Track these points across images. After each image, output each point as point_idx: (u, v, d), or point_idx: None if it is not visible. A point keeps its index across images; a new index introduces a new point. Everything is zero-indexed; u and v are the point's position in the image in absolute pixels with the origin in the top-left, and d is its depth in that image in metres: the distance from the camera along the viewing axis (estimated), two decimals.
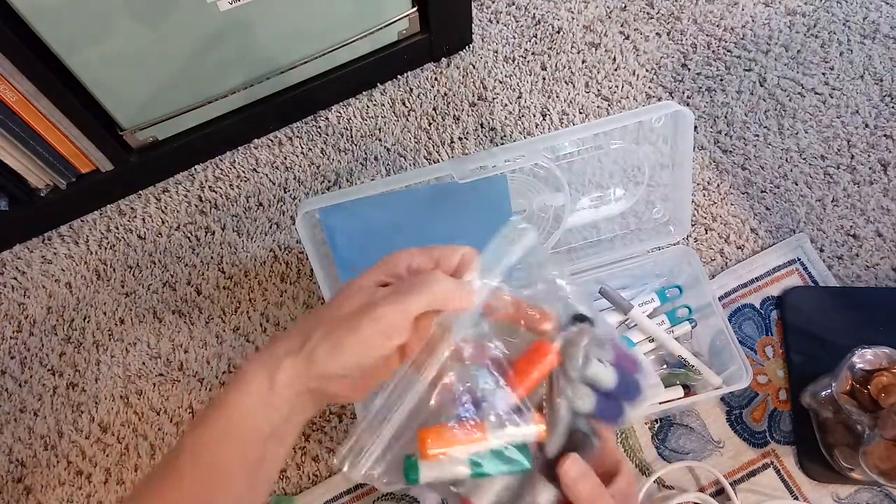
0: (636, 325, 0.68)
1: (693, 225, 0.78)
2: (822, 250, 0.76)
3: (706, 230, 0.78)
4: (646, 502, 0.67)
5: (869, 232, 0.77)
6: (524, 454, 0.37)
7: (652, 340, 0.68)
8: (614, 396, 0.39)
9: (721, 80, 0.85)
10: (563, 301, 0.41)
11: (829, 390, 0.62)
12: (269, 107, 0.80)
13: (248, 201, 0.82)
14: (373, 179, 0.83)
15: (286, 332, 0.40)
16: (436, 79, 0.87)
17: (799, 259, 0.76)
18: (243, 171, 0.84)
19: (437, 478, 0.37)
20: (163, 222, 0.82)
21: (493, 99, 0.85)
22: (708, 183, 0.80)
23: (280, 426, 0.37)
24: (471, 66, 0.87)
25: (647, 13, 0.89)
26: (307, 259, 0.79)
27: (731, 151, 0.81)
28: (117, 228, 0.82)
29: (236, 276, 0.79)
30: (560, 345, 0.39)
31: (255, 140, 0.85)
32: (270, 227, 0.81)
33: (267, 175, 0.83)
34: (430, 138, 0.84)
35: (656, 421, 0.70)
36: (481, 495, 0.37)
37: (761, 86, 0.84)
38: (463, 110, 0.85)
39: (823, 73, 0.84)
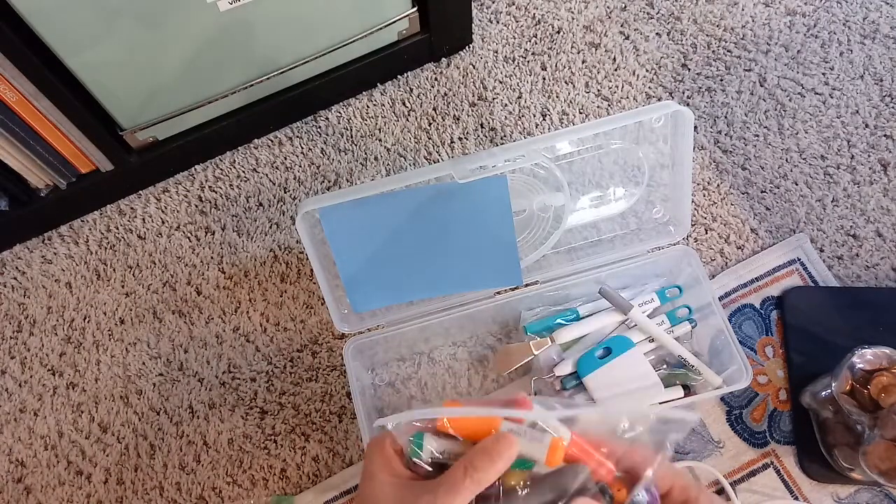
0: (636, 325, 0.68)
1: (693, 225, 0.78)
2: (822, 250, 0.76)
3: (706, 230, 0.78)
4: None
5: (869, 232, 0.77)
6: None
7: (652, 340, 0.68)
8: None
9: (721, 80, 0.85)
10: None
11: (829, 390, 0.62)
12: (269, 107, 0.80)
13: (248, 201, 0.82)
14: (373, 179, 0.83)
15: None
16: (436, 79, 0.87)
17: (799, 259, 0.76)
18: (243, 171, 0.84)
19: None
20: (163, 222, 0.82)
21: (493, 99, 0.85)
22: (708, 183, 0.80)
23: None
24: (471, 66, 0.87)
25: (647, 13, 0.89)
26: (307, 259, 0.79)
27: (731, 151, 0.81)
28: (117, 228, 0.82)
29: (236, 276, 0.79)
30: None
31: (255, 140, 0.85)
32: (270, 227, 0.81)
33: (267, 175, 0.83)
34: (430, 138, 0.84)
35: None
36: None
37: (761, 86, 0.84)
38: (463, 110, 0.85)
39: (823, 73, 0.84)
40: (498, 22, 0.89)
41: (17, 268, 0.81)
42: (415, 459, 0.39)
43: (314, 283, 0.78)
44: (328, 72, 0.80)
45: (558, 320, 0.70)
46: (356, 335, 0.67)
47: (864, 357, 0.61)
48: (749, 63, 0.85)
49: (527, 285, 0.69)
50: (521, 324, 0.72)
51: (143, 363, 0.77)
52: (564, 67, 0.86)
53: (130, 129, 0.74)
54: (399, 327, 0.68)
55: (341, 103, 0.86)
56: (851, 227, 0.77)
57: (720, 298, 0.74)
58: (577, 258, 0.71)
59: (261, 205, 0.82)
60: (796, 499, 0.67)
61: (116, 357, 0.77)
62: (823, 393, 0.63)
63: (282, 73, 0.77)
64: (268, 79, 0.77)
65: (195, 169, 0.84)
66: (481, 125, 0.84)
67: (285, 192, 0.83)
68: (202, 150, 0.83)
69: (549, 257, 0.71)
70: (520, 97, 0.85)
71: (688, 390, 0.68)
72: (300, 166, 0.84)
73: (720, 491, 0.67)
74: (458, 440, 0.39)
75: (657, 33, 0.88)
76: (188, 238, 0.81)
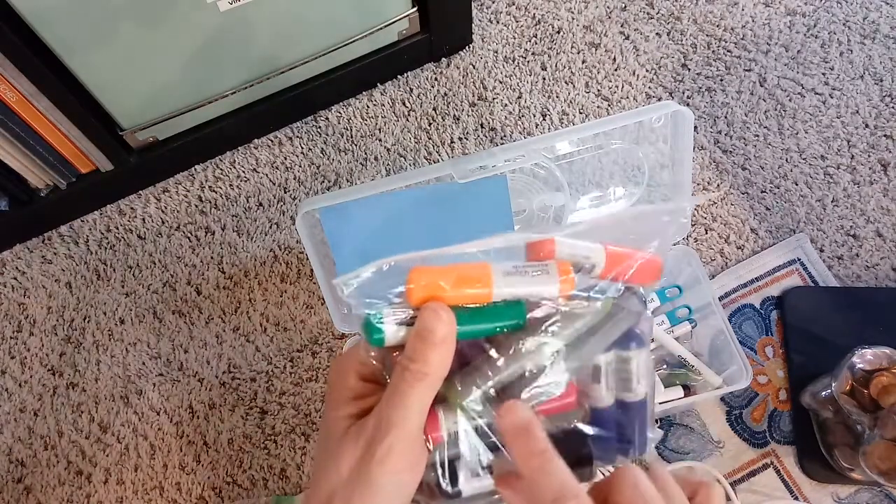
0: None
1: (693, 225, 0.78)
2: (822, 250, 0.76)
3: (706, 230, 0.78)
4: None
5: (869, 232, 0.77)
6: (519, 310, 0.31)
7: (652, 340, 0.68)
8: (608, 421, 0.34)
9: (721, 80, 0.85)
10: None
11: (829, 390, 0.62)
12: (269, 107, 0.80)
13: (248, 201, 0.82)
14: (373, 179, 0.83)
15: None
16: (436, 79, 0.87)
17: (799, 259, 0.76)
18: (243, 171, 0.84)
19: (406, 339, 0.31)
20: (163, 222, 0.82)
21: (493, 99, 0.85)
22: (708, 183, 0.80)
23: None
24: (471, 66, 0.87)
25: (647, 13, 0.89)
26: (307, 259, 0.78)
27: (731, 151, 0.81)
28: (117, 228, 0.82)
29: (236, 276, 0.79)
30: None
31: (255, 140, 0.85)
32: (270, 227, 0.81)
33: (267, 175, 0.83)
34: (430, 138, 0.84)
35: (656, 421, 0.70)
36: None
37: (761, 86, 0.84)
38: (463, 110, 0.85)
39: (823, 73, 0.84)
40: (498, 22, 0.89)
41: (17, 268, 0.81)
42: (373, 349, 0.32)
43: (314, 283, 0.78)
44: (328, 72, 0.80)
45: None
46: (356, 335, 0.67)
47: (864, 357, 0.61)
48: (749, 63, 0.85)
49: None
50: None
51: (143, 363, 0.77)
52: (564, 67, 0.86)
53: (130, 129, 0.74)
54: None
55: (341, 103, 0.86)
56: (851, 227, 0.77)
57: (720, 298, 0.74)
58: None
59: (261, 205, 0.82)
60: (796, 499, 0.67)
61: (116, 357, 0.77)
62: (823, 393, 0.63)
63: (282, 73, 0.77)
64: (268, 79, 0.77)
65: (195, 169, 0.84)
66: (481, 125, 0.84)
67: (285, 192, 0.82)
68: (202, 150, 0.83)
69: None
70: (520, 97, 0.85)
71: (688, 390, 0.68)
72: (300, 166, 0.84)
73: None
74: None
75: (657, 33, 0.88)
76: (188, 238, 0.81)
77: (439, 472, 0.32)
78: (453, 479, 0.32)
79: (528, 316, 0.32)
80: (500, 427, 0.31)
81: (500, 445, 0.31)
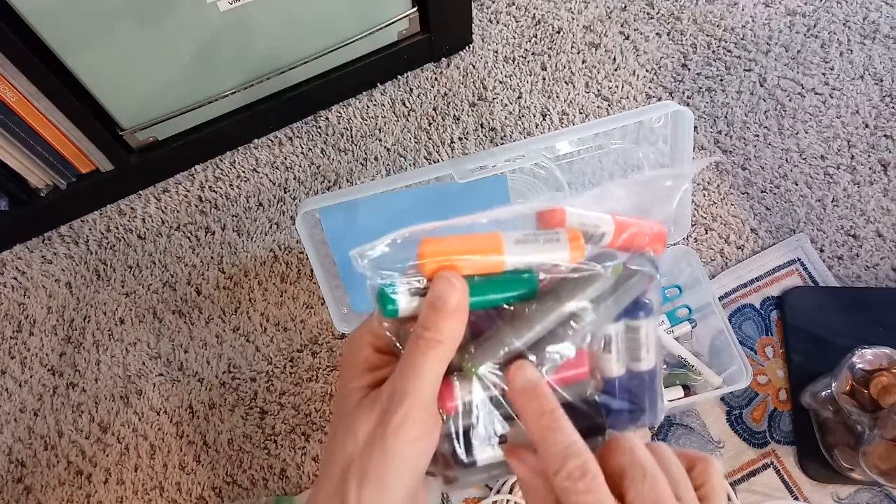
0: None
1: (693, 225, 0.78)
2: (822, 250, 0.76)
3: (706, 230, 0.78)
4: None
5: (869, 232, 0.77)
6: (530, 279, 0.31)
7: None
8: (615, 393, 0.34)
9: (721, 80, 0.85)
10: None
11: (829, 390, 0.62)
12: (269, 107, 0.80)
13: (248, 201, 0.82)
14: (373, 179, 0.83)
15: (318, 494, 0.32)
16: (436, 79, 0.87)
17: (799, 259, 0.76)
18: (243, 171, 0.84)
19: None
20: (163, 222, 0.82)
21: (493, 99, 0.85)
22: (708, 183, 0.80)
23: None
24: (471, 67, 0.87)
25: (647, 13, 0.89)
26: (307, 259, 0.79)
27: (731, 151, 0.81)
28: (117, 228, 0.82)
29: (236, 276, 0.79)
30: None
31: (255, 140, 0.85)
32: (270, 227, 0.81)
33: (267, 175, 0.83)
34: (430, 138, 0.84)
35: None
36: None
37: (761, 86, 0.84)
38: (463, 110, 0.85)
39: (823, 73, 0.84)
40: (498, 22, 0.89)
41: (17, 268, 0.81)
42: (386, 320, 0.32)
43: (314, 283, 0.78)
44: (328, 72, 0.80)
45: None
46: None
47: (864, 357, 0.61)
48: (749, 63, 0.85)
49: None
50: None
51: (143, 363, 0.77)
52: (564, 67, 0.86)
53: (130, 129, 0.74)
54: None
55: (341, 103, 0.86)
56: (851, 227, 0.77)
57: (720, 298, 0.74)
58: None
59: (261, 205, 0.82)
60: (796, 499, 0.67)
61: (116, 357, 0.77)
62: (823, 393, 0.63)
63: (282, 73, 0.77)
64: (268, 79, 0.77)
65: (195, 169, 0.84)
66: (481, 125, 0.84)
67: (285, 192, 0.82)
68: (202, 150, 0.83)
69: None
70: (520, 97, 0.85)
71: (688, 390, 0.68)
72: (300, 166, 0.84)
73: None
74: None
75: (657, 33, 0.88)
76: (188, 238, 0.81)
77: (455, 441, 0.32)
78: (468, 449, 0.32)
79: (539, 284, 0.32)
80: (509, 388, 0.31)
81: (513, 415, 0.32)
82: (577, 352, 0.32)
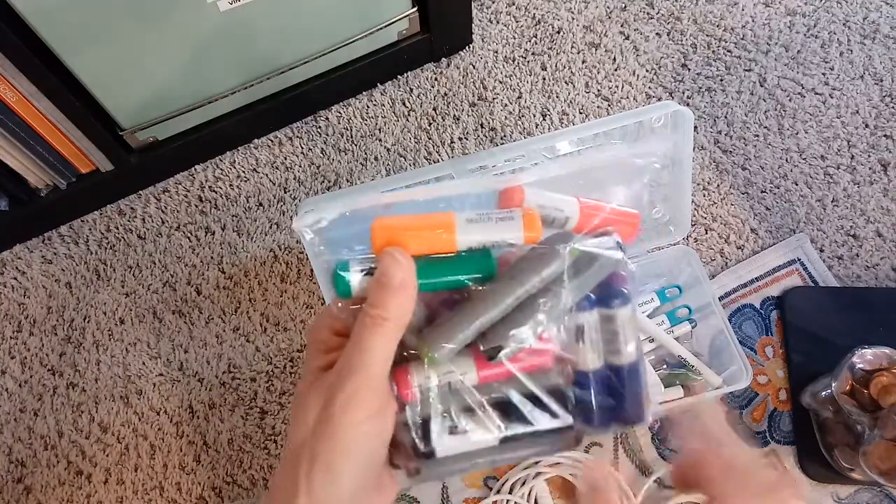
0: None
1: (693, 225, 0.78)
2: (822, 250, 0.76)
3: (706, 230, 0.78)
4: (646, 503, 0.67)
5: (869, 232, 0.77)
6: (488, 260, 0.30)
7: (652, 340, 0.68)
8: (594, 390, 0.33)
9: (721, 80, 0.85)
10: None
11: (829, 390, 0.62)
12: (269, 107, 0.80)
13: (248, 201, 0.82)
14: (373, 179, 0.83)
15: (274, 478, 0.32)
16: (436, 79, 0.87)
17: (799, 259, 0.76)
18: (243, 171, 0.84)
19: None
20: (163, 222, 0.82)
21: (493, 99, 0.85)
22: (708, 183, 0.80)
23: None
24: (471, 66, 0.87)
25: (647, 13, 0.89)
26: (307, 259, 0.79)
27: (731, 151, 0.81)
28: (117, 228, 0.82)
29: (236, 276, 0.79)
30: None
31: (255, 140, 0.85)
32: (270, 227, 0.81)
33: (267, 175, 0.83)
34: (430, 138, 0.84)
35: (656, 421, 0.70)
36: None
37: (761, 86, 0.84)
38: (463, 110, 0.85)
39: (823, 73, 0.84)
40: (498, 22, 0.89)
41: (17, 268, 0.81)
42: (341, 300, 0.31)
43: (314, 283, 0.78)
44: (328, 72, 0.80)
45: None
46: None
47: (864, 357, 0.61)
48: (749, 63, 0.85)
49: None
50: None
51: (143, 363, 0.77)
52: (564, 67, 0.86)
53: (130, 129, 0.74)
54: None
55: (341, 103, 0.86)
56: (851, 227, 0.77)
57: (720, 298, 0.74)
58: None
59: (261, 205, 0.82)
60: None
61: (116, 357, 0.77)
62: (823, 393, 0.63)
63: (282, 73, 0.77)
64: (268, 79, 0.77)
65: (195, 169, 0.84)
66: (481, 125, 0.84)
67: (285, 192, 0.82)
68: (202, 150, 0.83)
69: None
70: (520, 97, 0.85)
71: (688, 390, 0.67)
72: (300, 166, 0.84)
73: None
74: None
75: (657, 33, 0.88)
76: (188, 238, 0.81)
77: (412, 430, 0.31)
78: (426, 438, 0.31)
79: (497, 266, 0.31)
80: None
81: (472, 404, 0.31)
82: (540, 338, 0.31)
